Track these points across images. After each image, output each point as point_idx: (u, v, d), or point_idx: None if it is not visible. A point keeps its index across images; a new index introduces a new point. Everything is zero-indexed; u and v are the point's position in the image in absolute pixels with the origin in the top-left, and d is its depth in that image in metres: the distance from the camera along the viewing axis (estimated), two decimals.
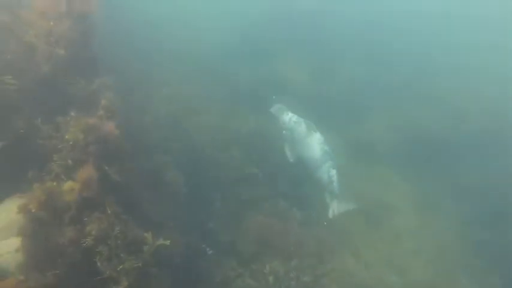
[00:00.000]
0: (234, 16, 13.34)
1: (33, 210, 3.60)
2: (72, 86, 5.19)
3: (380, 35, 14.28)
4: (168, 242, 4.07)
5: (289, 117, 8.30)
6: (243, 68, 11.41)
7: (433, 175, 9.61)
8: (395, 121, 11.16)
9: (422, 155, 10.07)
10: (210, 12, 13.25)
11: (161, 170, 6.31)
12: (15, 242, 4.56)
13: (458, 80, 12.84)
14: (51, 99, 5.24)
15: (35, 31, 4.92)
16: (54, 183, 4.08)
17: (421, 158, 10.02)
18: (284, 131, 8.33)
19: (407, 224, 8.44)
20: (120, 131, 5.05)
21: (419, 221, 8.57)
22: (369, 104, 11.47)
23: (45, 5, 5.02)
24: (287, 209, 7.86)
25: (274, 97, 9.16)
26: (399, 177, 9.68)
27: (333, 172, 7.88)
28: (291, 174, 8.50)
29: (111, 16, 7.33)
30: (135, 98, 7.55)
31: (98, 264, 3.75)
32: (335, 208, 7.88)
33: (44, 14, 5.01)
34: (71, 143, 4.36)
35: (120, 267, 3.76)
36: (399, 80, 12.66)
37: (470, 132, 10.55)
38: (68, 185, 4.07)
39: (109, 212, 3.91)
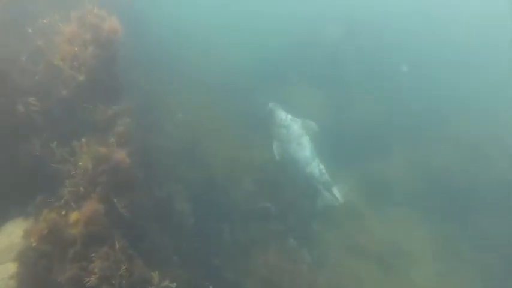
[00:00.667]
0: (254, 45, 13.55)
1: (33, 244, 3.44)
2: (90, 110, 5.17)
3: (400, 70, 14.14)
4: (174, 285, 3.82)
5: (285, 115, 8.75)
6: (259, 95, 11.38)
7: (454, 221, 9.09)
8: (413, 160, 10.78)
9: (442, 198, 9.59)
10: (232, 41, 13.48)
11: (171, 200, 6.14)
12: (11, 268, 4.41)
13: (484, 122, 12.44)
14: (68, 122, 5.24)
15: (61, 55, 5.00)
16: (62, 213, 3.95)
17: (441, 202, 9.53)
18: (281, 129, 8.65)
19: (424, 274, 7.89)
20: (132, 158, 4.98)
21: (437, 270, 8.00)
22: (385, 140, 11.18)
23: (72, 31, 5.12)
24: (297, 249, 7.51)
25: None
26: (417, 221, 9.18)
27: (322, 166, 8.44)
28: (301, 210, 8.27)
29: (132, 42, 7.48)
30: (150, 123, 7.53)
31: None
32: (337, 194, 8.32)
33: (71, 40, 5.10)
34: (82, 171, 4.26)
35: None
36: (418, 117, 12.36)
37: (495, 179, 10.06)
38: (74, 215, 3.93)
39: (117, 247, 3.72)
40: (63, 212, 4.07)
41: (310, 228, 8.35)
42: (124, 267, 3.65)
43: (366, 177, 9.99)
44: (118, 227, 4.11)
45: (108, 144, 4.69)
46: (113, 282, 3.56)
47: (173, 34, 11.80)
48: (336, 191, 8.33)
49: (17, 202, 4.92)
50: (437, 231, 8.94)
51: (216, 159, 8.05)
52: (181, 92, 9.46)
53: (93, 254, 3.57)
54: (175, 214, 6.29)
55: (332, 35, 14.20)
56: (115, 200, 4.10)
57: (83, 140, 4.70)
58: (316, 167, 8.44)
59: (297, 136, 8.75)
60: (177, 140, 7.92)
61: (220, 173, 7.83)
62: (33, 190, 4.91)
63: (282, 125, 8.69)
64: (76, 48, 4.96)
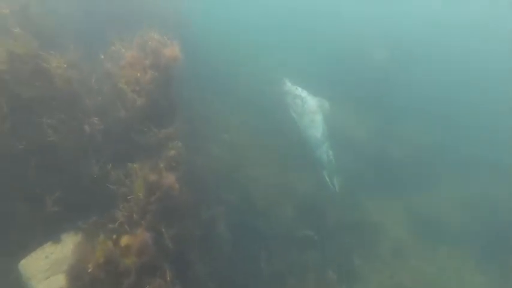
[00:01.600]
0: (302, 64, 13.44)
1: (89, 270, 3.54)
2: (144, 133, 5.32)
3: (452, 98, 13.32)
4: None
5: (301, 91, 9.16)
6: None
7: None
8: (465, 195, 9.97)
9: (499, 240, 8.74)
10: (280, 60, 13.47)
11: (214, 224, 6.12)
12: (61, 280, 4.57)
13: None
14: (123, 143, 5.43)
15: (126, 79, 5.22)
16: (113, 236, 4.03)
17: (498, 244, 8.68)
18: (296, 100, 9.04)
19: None
20: (181, 182, 5.04)
21: None
22: (434, 169, 10.47)
23: (133, 56, 5.34)
24: (336, 284, 7.16)
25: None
26: (470, 264, 8.43)
27: (330, 153, 8.61)
28: (343, 240, 7.92)
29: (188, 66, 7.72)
30: (197, 144, 7.64)
31: None
32: (336, 184, 8.46)
33: (132, 65, 5.31)
34: (135, 197, 4.36)
35: None
36: (471, 148, 11.48)
37: None
38: (125, 240, 4.00)
39: (168, 278, 3.72)
40: (115, 236, 4.16)
41: (351, 262, 7.95)
42: None
43: (412, 209, 9.40)
44: (166, 256, 4.13)
45: (159, 169, 4.76)
46: None
47: (223, 53, 12.08)
48: (336, 180, 8.48)
49: (71, 216, 5.12)
50: (494, 279, 8.11)
51: (258, 183, 7.97)
52: (229, 112, 9.58)
53: (147, 286, 3.59)
54: (216, 239, 6.25)
55: (381, 57, 13.84)
56: (163, 230, 4.12)
57: (135, 165, 4.81)
58: (325, 152, 8.61)
59: (312, 111, 8.99)
60: (221, 162, 7.96)
61: (262, 198, 7.73)
62: (88, 206, 5.12)
63: (297, 95, 9.18)
64: (139, 74, 5.14)
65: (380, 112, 12.01)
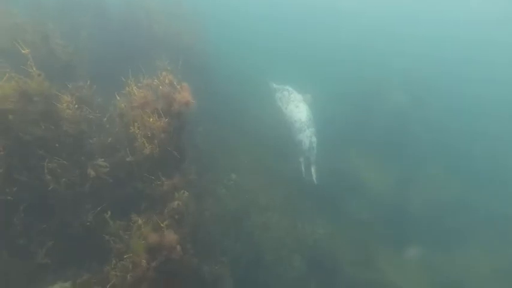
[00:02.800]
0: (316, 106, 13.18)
1: None
2: (149, 181, 4.97)
3: (478, 150, 12.64)
4: None
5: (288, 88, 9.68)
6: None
7: None
8: (500, 262, 9.08)
9: None
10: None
11: (216, 283, 5.59)
12: None
13: None
14: (126, 190, 5.08)
15: (138, 123, 4.96)
16: None
17: None
18: (284, 92, 9.65)
19: None
20: (184, 240, 4.62)
21: None
22: (462, 230, 9.68)
23: (144, 99, 5.09)
24: None
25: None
26: None
27: (314, 139, 8.66)
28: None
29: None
30: (203, 187, 7.26)
31: None
32: (312, 173, 8.47)
33: (143, 107, 5.06)
34: (133, 257, 3.94)
35: None
36: (500, 199, 10.67)
37: None
38: None
39: None
40: None
41: None
42: None
43: (436, 270, 8.61)
44: None
45: (161, 227, 4.36)
46: None
47: (235, 81, 11.91)
48: (314, 170, 8.44)
49: (59, 270, 4.70)
50: None
51: (266, 232, 7.44)
52: (238, 151, 9.23)
53: None
54: None
55: (398, 100, 13.44)
56: None
57: (137, 219, 4.42)
58: (309, 138, 8.73)
59: (297, 99, 9.40)
60: (228, 206, 7.51)
61: (269, 249, 7.17)
62: (79, 258, 4.72)
63: (284, 89, 9.84)
64: (151, 119, 4.87)
65: (398, 161, 11.44)
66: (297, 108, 9.22)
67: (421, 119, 13.18)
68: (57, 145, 4.53)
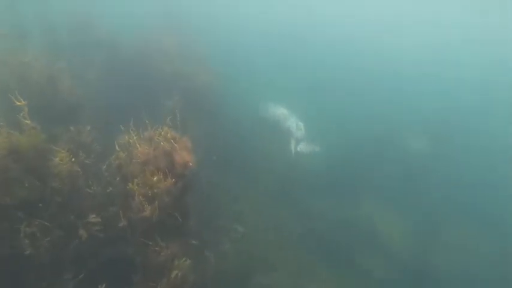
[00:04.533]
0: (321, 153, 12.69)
1: None
2: (145, 248, 4.38)
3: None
4: None
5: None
6: (325, 204, 10.03)
7: None
8: None
9: None
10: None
11: None
12: None
13: None
14: (116, 257, 4.48)
15: (139, 180, 4.46)
16: None
17: None
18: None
19: None
20: None
21: None
22: None
23: (145, 155, 4.65)
24: None
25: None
26: None
27: (301, 123, 9.51)
28: None
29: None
30: (206, 240, 6.62)
31: None
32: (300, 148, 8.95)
33: (144, 164, 4.59)
34: None
35: None
36: None
37: None
38: None
39: None
40: None
41: None
42: None
43: None
44: None
45: None
46: None
47: (245, 128, 11.55)
48: (299, 147, 9.03)
49: None
50: None
51: None
52: (244, 199, 8.64)
53: None
54: None
55: (419, 147, 12.77)
56: None
57: None
58: (294, 122, 9.69)
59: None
60: (231, 264, 6.81)
61: None
62: None
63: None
64: (155, 178, 4.39)
65: (417, 213, 10.62)
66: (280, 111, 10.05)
67: (443, 166, 12.36)
68: (40, 205, 4.01)
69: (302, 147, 9.24)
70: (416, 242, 9.78)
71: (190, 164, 4.44)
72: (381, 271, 8.69)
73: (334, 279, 7.95)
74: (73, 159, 4.31)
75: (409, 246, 9.60)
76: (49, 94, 5.77)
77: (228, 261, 6.87)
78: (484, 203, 11.40)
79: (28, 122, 3.99)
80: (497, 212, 11.12)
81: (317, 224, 9.37)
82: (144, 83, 8.24)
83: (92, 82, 7.34)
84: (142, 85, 8.17)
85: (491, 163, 13.18)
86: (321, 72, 17.97)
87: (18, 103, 3.99)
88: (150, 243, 4.41)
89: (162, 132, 4.76)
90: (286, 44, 20.44)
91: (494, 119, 15.33)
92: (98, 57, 8.30)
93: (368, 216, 10.41)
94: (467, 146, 13.61)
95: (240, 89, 12.58)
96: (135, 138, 4.75)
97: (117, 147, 4.85)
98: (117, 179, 4.86)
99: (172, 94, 8.00)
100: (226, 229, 7.62)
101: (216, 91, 10.27)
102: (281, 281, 7.23)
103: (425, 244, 9.75)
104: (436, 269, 9.07)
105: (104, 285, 4.02)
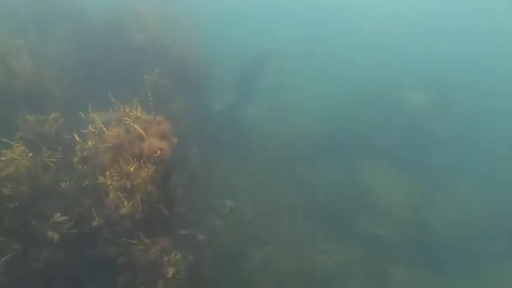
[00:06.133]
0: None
1: None
2: (128, 248, 3.90)
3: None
4: None
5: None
6: (320, 171, 9.64)
7: None
8: None
9: None
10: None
11: None
12: None
13: None
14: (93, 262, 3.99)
15: (113, 172, 3.88)
16: None
17: None
18: None
19: None
20: None
21: None
22: (496, 250, 8.51)
23: (117, 140, 4.01)
24: None
25: None
26: None
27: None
28: None
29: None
30: (194, 216, 6.24)
31: None
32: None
33: (119, 153, 3.97)
34: None
35: None
36: None
37: None
38: None
39: None
40: None
41: None
42: None
43: None
44: None
45: None
46: None
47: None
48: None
49: None
50: None
51: (267, 273, 6.39)
52: (237, 174, 8.19)
53: None
54: None
55: (415, 99, 12.10)
56: None
57: None
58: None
59: None
60: (222, 243, 6.48)
61: None
62: None
63: None
64: (132, 168, 3.79)
65: (418, 171, 10.23)
66: None
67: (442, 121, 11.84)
68: None
69: None
70: (417, 201, 9.58)
71: (162, 151, 3.82)
72: (383, 233, 8.49)
73: (336, 244, 7.75)
74: (30, 154, 3.68)
75: (411, 211, 9.38)
76: (2, 76, 4.98)
77: (217, 239, 6.54)
78: (484, 160, 11.09)
79: None
80: (496, 169, 10.87)
81: (315, 192, 9.05)
82: (117, 56, 7.36)
83: (55, 59, 6.44)
84: (116, 59, 7.30)
85: (492, 122, 12.72)
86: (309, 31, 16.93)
87: None
88: (134, 241, 3.93)
89: (131, 113, 4.07)
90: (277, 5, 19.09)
91: (495, 78, 14.69)
92: (62, 30, 7.31)
93: (367, 179, 10.10)
94: (468, 105, 13.09)
95: (226, 57, 11.73)
96: (100, 122, 4.09)
97: (77, 138, 4.19)
98: (86, 172, 4.28)
99: (151, 67, 7.23)
100: (214, 206, 7.23)
101: (200, 61, 9.48)
102: (278, 253, 6.98)
103: (425, 203, 9.55)
104: (435, 228, 8.94)
105: None
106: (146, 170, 3.84)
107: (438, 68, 13.90)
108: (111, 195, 3.87)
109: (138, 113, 4.05)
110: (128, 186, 3.93)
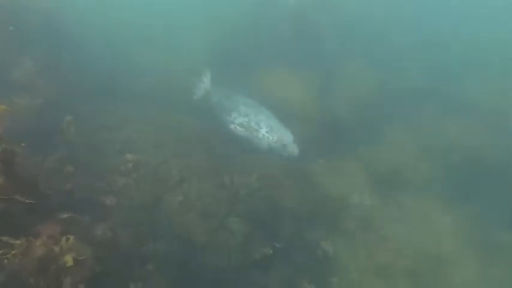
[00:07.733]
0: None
1: None
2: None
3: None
4: None
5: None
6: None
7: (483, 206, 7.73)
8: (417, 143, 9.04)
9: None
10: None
11: None
12: None
13: None
14: None
15: None
16: None
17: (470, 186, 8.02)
18: None
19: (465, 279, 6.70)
20: None
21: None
22: (380, 116, 9.42)
23: None
24: None
25: None
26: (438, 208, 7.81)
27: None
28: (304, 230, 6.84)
29: None
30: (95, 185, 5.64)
31: None
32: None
33: None
34: None
35: None
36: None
37: None
38: None
39: None
40: None
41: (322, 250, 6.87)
42: None
43: (367, 166, 8.38)
44: None
45: None
46: None
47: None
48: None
49: None
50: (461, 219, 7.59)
51: (184, 209, 6.21)
52: (128, 127, 7.32)
53: None
54: None
55: None
56: None
57: None
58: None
59: None
60: (132, 202, 6.03)
61: (199, 232, 6.07)
62: None
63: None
64: None
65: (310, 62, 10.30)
66: None
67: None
68: None
69: None
70: (321, 96, 9.79)
71: None
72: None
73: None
74: None
75: (315, 103, 9.53)
76: None
77: (127, 205, 6.03)
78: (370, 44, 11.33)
79: None
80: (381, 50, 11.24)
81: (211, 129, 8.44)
82: None
83: None
84: None
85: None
86: None
87: None
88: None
89: None
90: None
91: None
92: None
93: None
94: None
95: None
96: None
97: None
98: None
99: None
100: (113, 162, 6.52)
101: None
102: (191, 194, 6.70)
103: (326, 97, 9.80)
104: (335, 114, 9.35)
105: None
106: None
107: None
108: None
109: None
110: None
